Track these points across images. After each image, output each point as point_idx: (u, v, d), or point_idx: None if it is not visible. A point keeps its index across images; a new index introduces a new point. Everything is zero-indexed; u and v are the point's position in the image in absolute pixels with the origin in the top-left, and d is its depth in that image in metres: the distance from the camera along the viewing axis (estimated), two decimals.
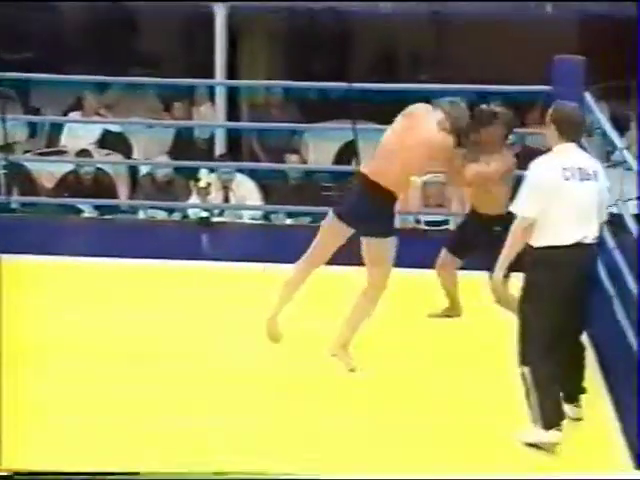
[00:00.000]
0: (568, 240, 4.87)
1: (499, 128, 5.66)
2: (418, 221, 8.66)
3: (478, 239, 5.71)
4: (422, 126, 5.44)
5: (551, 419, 4.87)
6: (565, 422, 4.93)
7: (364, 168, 5.52)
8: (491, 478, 4.70)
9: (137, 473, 4.62)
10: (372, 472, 4.75)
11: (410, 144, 5.39)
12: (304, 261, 5.60)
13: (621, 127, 8.59)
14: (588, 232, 4.92)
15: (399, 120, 5.53)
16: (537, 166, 4.96)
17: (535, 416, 4.89)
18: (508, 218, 5.05)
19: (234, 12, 9.48)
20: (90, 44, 11.62)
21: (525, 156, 8.22)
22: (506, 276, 5.15)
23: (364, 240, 5.48)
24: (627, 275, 5.89)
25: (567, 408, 5.05)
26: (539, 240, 4.89)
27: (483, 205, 5.73)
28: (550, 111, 5.03)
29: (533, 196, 4.89)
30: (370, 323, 5.69)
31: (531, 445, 4.89)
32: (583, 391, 5.19)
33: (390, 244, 5.46)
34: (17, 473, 4.54)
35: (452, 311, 6.07)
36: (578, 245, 4.89)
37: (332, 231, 5.53)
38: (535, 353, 4.87)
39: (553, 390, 4.91)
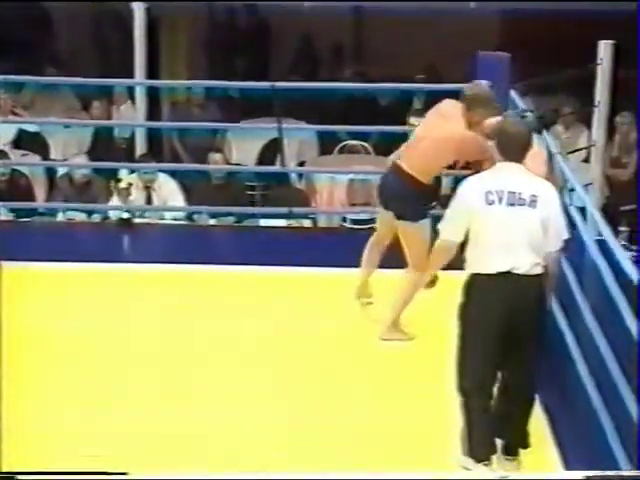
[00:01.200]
0: (493, 269, 4.55)
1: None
2: (344, 220, 8.60)
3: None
4: (447, 122, 5.73)
5: (478, 454, 4.60)
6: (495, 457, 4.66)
7: (395, 157, 5.92)
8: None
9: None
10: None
11: (435, 137, 5.73)
12: (372, 239, 6.14)
13: (545, 123, 8.59)
14: (519, 262, 4.54)
15: (430, 113, 5.91)
16: (462, 187, 4.68)
17: (464, 449, 4.66)
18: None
19: (153, 10, 9.31)
20: (5, 42, 11.38)
21: None
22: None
23: (397, 223, 5.82)
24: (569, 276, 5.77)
25: (503, 460, 4.72)
26: (469, 266, 4.65)
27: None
28: (493, 125, 4.83)
29: (454, 219, 4.66)
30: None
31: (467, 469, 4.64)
32: (524, 445, 4.77)
33: (419, 227, 5.74)
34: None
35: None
36: (505, 275, 4.55)
37: (381, 213, 6.05)
38: (466, 384, 4.63)
39: (483, 424, 4.60)
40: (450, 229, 4.68)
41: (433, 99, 9.55)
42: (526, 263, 4.55)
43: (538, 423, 5.10)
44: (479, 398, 4.60)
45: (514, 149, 4.60)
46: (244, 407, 5.26)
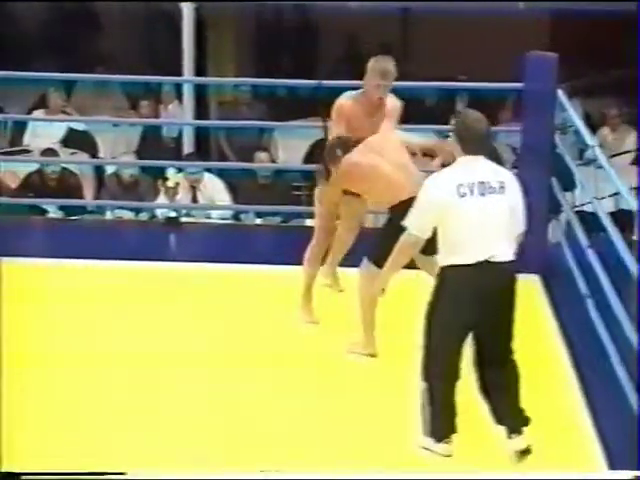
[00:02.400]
0: (470, 259, 4.61)
1: None
2: None
3: None
4: None
5: (440, 433, 4.74)
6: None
7: None
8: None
9: (123, 473, 4.55)
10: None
11: None
12: None
13: (593, 125, 8.56)
14: (496, 250, 4.64)
15: None
16: (430, 183, 4.72)
17: (425, 429, 4.77)
18: None
19: (202, 10, 9.37)
20: (55, 42, 11.50)
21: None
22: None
23: None
24: (601, 274, 5.82)
25: (510, 442, 4.78)
26: (442, 259, 4.70)
27: None
28: (453, 121, 4.83)
29: (423, 214, 4.68)
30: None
31: (425, 449, 4.79)
32: (525, 422, 4.82)
33: None
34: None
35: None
36: (484, 264, 4.62)
37: None
38: (433, 372, 4.72)
39: (448, 411, 4.74)
40: (418, 224, 4.70)
41: (476, 100, 9.64)
42: (502, 250, 4.66)
43: (582, 422, 5.13)
44: (446, 383, 4.72)
45: (476, 144, 4.70)
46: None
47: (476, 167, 4.70)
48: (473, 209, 4.62)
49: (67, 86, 10.33)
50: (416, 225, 4.70)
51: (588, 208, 6.90)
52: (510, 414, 4.81)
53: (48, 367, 5.56)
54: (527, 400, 5.18)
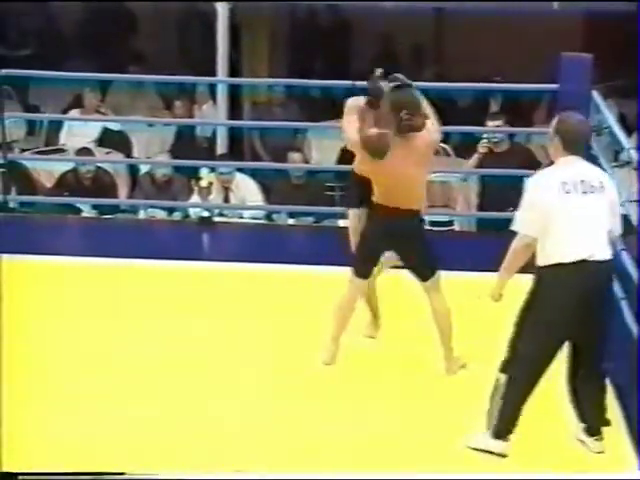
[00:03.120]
0: (572, 257, 4.63)
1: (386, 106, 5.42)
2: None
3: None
4: None
5: (503, 430, 4.77)
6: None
7: None
8: (491, 478, 4.63)
9: (123, 473, 4.56)
10: (373, 472, 4.69)
11: None
12: None
13: (629, 126, 8.49)
14: (596, 249, 4.67)
15: None
16: (535, 181, 4.76)
17: (489, 422, 4.79)
18: None
19: (236, 10, 9.39)
20: (90, 42, 11.57)
21: (515, 154, 8.29)
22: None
23: None
24: (635, 277, 5.79)
25: (588, 441, 4.88)
26: (542, 259, 4.69)
27: None
28: (554, 122, 4.81)
29: (532, 214, 4.69)
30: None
31: (477, 450, 4.82)
32: (605, 423, 4.91)
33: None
34: (21, 473, 4.48)
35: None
36: (584, 262, 4.64)
37: None
38: (519, 367, 4.73)
39: (519, 407, 4.76)
40: (529, 224, 4.69)
41: (510, 100, 9.60)
42: (601, 249, 4.68)
43: (615, 425, 5.09)
44: (528, 385, 4.71)
45: (578, 144, 4.76)
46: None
47: (577, 166, 4.74)
48: (576, 207, 4.64)
49: (102, 86, 10.38)
50: (526, 226, 4.70)
51: (622, 210, 6.84)
52: (595, 416, 4.85)
53: (67, 365, 5.59)
54: (558, 404, 5.19)
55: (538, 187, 4.72)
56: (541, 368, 4.72)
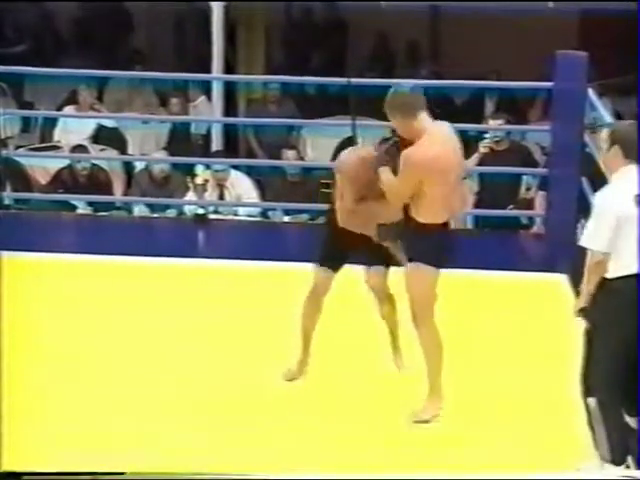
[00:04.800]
0: (632, 270, 4.56)
1: None
2: None
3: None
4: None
5: (618, 455, 4.61)
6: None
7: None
8: (492, 478, 4.62)
9: (123, 473, 4.55)
10: (374, 472, 4.68)
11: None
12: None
13: None
14: None
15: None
16: (606, 195, 4.64)
17: (602, 452, 4.64)
18: None
19: (230, 8, 9.38)
20: (85, 39, 11.56)
21: (514, 153, 8.29)
22: (387, 267, 5.29)
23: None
24: None
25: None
26: (611, 271, 4.60)
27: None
28: (609, 132, 4.71)
29: (604, 229, 4.57)
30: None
31: None
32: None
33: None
34: (25, 473, 4.47)
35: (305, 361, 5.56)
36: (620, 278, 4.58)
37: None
38: (603, 385, 4.59)
39: (621, 424, 4.61)
40: (601, 241, 4.58)
41: (506, 98, 9.59)
42: None
43: None
44: (617, 400, 4.60)
45: (636, 150, 4.61)
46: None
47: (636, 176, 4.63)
48: None
49: (99, 83, 10.37)
50: (597, 242, 4.59)
51: None
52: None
53: (62, 362, 5.57)
54: (556, 404, 5.19)
55: (612, 203, 4.59)
56: (623, 380, 4.58)
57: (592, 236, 4.60)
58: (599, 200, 4.64)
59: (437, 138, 5.02)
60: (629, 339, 4.56)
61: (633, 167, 4.61)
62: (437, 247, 5.07)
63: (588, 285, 4.65)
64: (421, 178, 4.93)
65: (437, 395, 5.12)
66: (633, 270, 4.56)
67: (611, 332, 4.59)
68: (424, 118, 5.06)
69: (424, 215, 5.02)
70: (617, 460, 4.61)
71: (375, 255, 5.32)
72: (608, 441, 4.62)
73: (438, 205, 5.01)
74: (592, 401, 4.63)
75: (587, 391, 4.65)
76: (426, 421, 5.06)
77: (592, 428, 4.67)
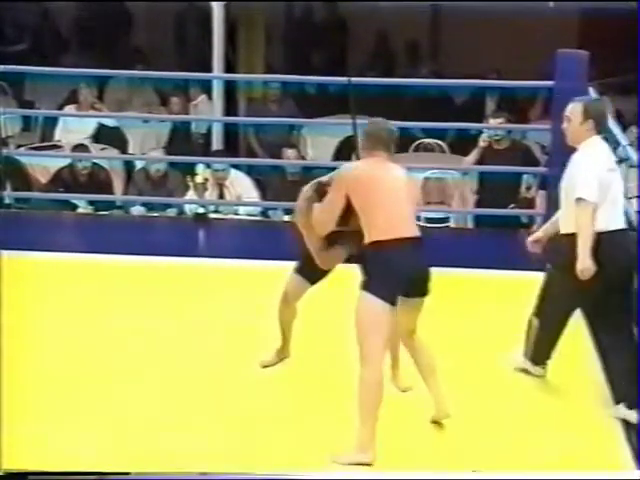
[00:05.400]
0: (616, 226, 5.13)
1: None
2: (418, 218, 8.55)
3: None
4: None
5: (538, 358, 5.41)
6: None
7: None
8: (492, 478, 4.62)
9: (127, 473, 4.54)
10: (376, 472, 4.66)
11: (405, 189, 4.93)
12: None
13: (625, 123, 8.50)
14: (621, 218, 5.19)
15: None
16: (587, 156, 5.12)
17: (527, 351, 5.44)
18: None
19: (230, 7, 9.39)
20: (86, 38, 11.56)
21: (515, 151, 8.30)
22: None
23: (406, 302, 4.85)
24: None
25: (628, 414, 5.07)
26: (601, 225, 5.08)
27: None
28: (583, 107, 5.16)
29: (593, 183, 5.05)
30: None
31: (521, 370, 5.43)
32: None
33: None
34: (30, 473, 4.47)
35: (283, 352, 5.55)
36: (617, 231, 5.12)
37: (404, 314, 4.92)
38: (551, 314, 5.27)
39: (551, 343, 5.36)
40: (591, 191, 5.04)
41: (506, 97, 9.58)
42: (623, 218, 5.21)
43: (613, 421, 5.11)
44: (557, 329, 5.31)
45: (606, 124, 5.32)
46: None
47: (604, 146, 5.23)
48: (611, 183, 5.13)
49: (100, 83, 10.38)
50: (589, 192, 5.03)
51: None
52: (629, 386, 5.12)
53: (62, 362, 5.56)
54: (564, 399, 5.18)
55: (594, 162, 5.10)
56: (567, 319, 5.29)
57: (585, 188, 5.04)
58: (583, 161, 5.11)
59: (375, 165, 4.86)
60: (606, 284, 5.05)
61: (599, 138, 5.18)
62: (385, 273, 4.67)
63: (587, 240, 5.01)
64: (345, 192, 4.80)
65: (361, 445, 4.66)
66: (601, 228, 5.06)
67: (573, 278, 5.02)
68: (380, 156, 4.89)
69: (368, 234, 4.75)
70: (534, 361, 5.43)
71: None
72: (534, 347, 5.40)
73: (380, 224, 4.72)
74: (535, 320, 5.34)
75: (536, 313, 5.35)
76: (342, 463, 4.67)
77: (527, 336, 5.40)
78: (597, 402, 5.30)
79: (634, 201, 6.70)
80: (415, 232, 4.80)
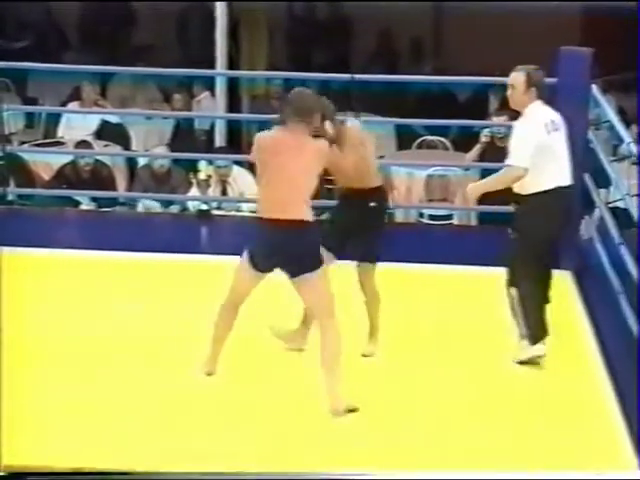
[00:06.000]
0: (551, 185, 5.53)
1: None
2: (421, 215, 8.57)
3: (353, 224, 5.48)
4: (294, 146, 5.01)
5: (537, 334, 5.54)
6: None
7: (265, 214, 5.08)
8: (492, 478, 4.61)
9: (130, 473, 4.54)
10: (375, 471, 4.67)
11: (292, 168, 4.97)
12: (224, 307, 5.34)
13: (628, 120, 8.49)
14: (565, 177, 5.60)
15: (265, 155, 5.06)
16: (525, 124, 5.55)
17: (522, 331, 5.58)
18: (381, 191, 5.53)
19: (234, 3, 9.38)
20: (89, 34, 11.56)
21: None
22: (373, 263, 5.52)
23: (294, 281, 5.09)
24: (633, 270, 5.79)
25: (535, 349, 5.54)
26: (529, 188, 5.51)
27: (356, 181, 5.50)
28: (525, 76, 5.59)
29: (525, 147, 5.46)
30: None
31: (522, 363, 5.54)
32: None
33: (321, 275, 5.05)
34: (29, 473, 4.47)
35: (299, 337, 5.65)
36: (558, 189, 5.54)
37: (250, 281, 5.25)
38: (523, 277, 5.53)
39: (537, 308, 5.55)
40: (522, 156, 5.46)
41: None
42: (568, 177, 5.63)
43: (613, 419, 5.12)
44: (533, 288, 5.55)
45: (544, 90, 5.67)
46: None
47: (545, 109, 5.63)
48: (553, 143, 5.55)
49: (103, 79, 10.37)
50: (521, 157, 5.45)
51: (621, 204, 6.85)
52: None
53: (65, 360, 5.57)
54: (558, 396, 5.19)
55: (529, 128, 5.51)
56: (538, 274, 5.58)
57: (516, 155, 5.48)
58: (521, 127, 5.55)
59: (280, 135, 5.01)
60: (542, 241, 5.56)
61: (540, 103, 5.60)
62: (257, 244, 5.11)
63: (494, 185, 5.64)
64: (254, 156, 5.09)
65: (343, 393, 5.02)
66: (547, 187, 5.51)
67: (529, 237, 5.54)
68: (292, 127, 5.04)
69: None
70: (533, 339, 5.55)
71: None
72: (526, 323, 5.56)
73: (264, 197, 5.05)
74: (513, 290, 5.58)
75: (510, 283, 5.59)
76: (344, 412, 5.00)
77: (514, 313, 5.59)
78: (597, 401, 5.31)
79: (634, 199, 6.70)
80: (291, 215, 4.96)
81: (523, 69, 5.64)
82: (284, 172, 4.94)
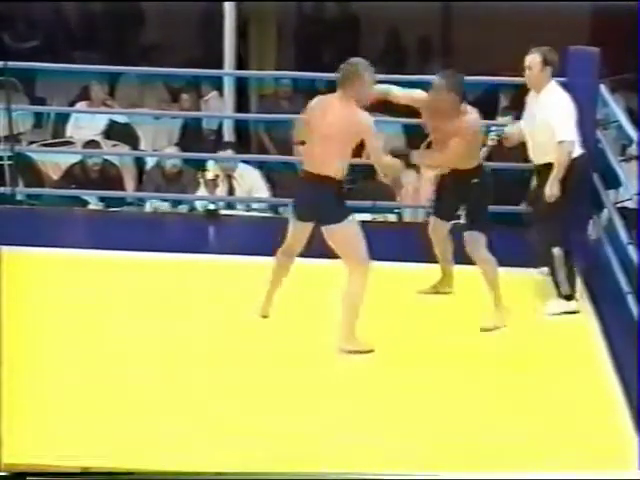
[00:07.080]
0: (578, 152, 6.06)
1: (450, 94, 6.07)
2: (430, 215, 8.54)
3: (458, 195, 6.17)
4: (336, 110, 5.57)
5: (573, 290, 6.10)
6: None
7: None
8: (492, 478, 4.61)
9: (133, 472, 4.54)
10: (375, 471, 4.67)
11: (329, 130, 5.54)
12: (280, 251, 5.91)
13: (636, 120, 8.46)
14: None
15: (311, 114, 5.68)
16: (562, 99, 6.04)
17: (564, 288, 6.08)
18: (480, 169, 6.12)
19: (243, 2, 9.38)
20: (97, 34, 11.58)
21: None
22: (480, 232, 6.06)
23: (324, 230, 5.65)
24: None
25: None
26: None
27: (460, 163, 6.12)
28: (541, 57, 6.08)
29: (572, 122, 5.97)
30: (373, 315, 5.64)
31: (556, 314, 6.01)
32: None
33: (347, 226, 5.59)
34: (30, 473, 4.47)
35: (442, 286, 6.32)
36: (582, 155, 6.11)
37: (296, 230, 5.80)
38: (562, 238, 6.01)
39: (572, 268, 6.09)
40: (571, 129, 5.95)
41: (519, 94, 9.54)
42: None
43: (621, 420, 5.12)
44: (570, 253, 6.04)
45: (558, 69, 6.13)
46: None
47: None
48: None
49: (111, 79, 10.39)
50: (571, 132, 5.96)
51: (629, 204, 6.84)
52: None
53: (66, 360, 5.57)
54: (564, 395, 5.18)
55: (566, 100, 6.04)
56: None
57: (564, 129, 5.92)
58: (558, 102, 6.01)
59: (325, 101, 5.66)
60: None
61: (555, 82, 6.11)
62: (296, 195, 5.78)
63: (560, 174, 5.94)
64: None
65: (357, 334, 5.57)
66: (577, 153, 6.04)
67: (564, 200, 5.95)
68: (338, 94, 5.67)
69: None
70: (574, 295, 6.11)
71: None
72: (568, 280, 6.06)
73: (304, 152, 5.76)
74: (557, 250, 6.04)
75: (554, 243, 6.02)
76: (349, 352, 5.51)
77: (554, 272, 6.07)
78: (604, 400, 5.30)
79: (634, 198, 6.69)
80: (322, 170, 5.55)
81: (538, 50, 6.04)
82: (320, 132, 5.54)
